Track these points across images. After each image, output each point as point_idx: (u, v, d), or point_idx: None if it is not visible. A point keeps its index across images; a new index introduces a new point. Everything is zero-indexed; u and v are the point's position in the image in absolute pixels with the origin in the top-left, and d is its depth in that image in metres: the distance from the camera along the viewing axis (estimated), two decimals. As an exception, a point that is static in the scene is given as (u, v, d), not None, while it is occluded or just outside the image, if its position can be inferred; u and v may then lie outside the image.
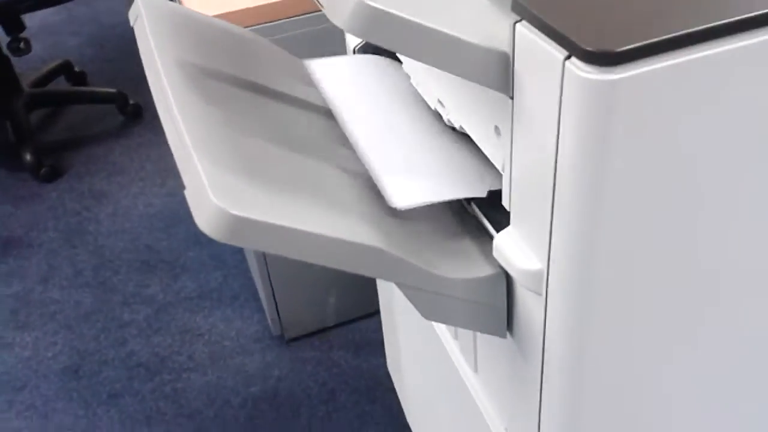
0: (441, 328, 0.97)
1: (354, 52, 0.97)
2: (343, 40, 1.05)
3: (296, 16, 1.31)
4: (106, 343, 1.79)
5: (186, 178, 0.59)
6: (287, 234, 0.55)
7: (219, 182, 0.56)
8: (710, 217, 0.57)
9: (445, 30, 0.53)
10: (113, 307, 1.88)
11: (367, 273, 0.59)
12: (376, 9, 0.51)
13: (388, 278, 0.61)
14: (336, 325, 1.74)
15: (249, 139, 0.68)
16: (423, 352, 1.14)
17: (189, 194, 0.57)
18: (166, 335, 1.79)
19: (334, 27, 1.33)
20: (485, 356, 0.83)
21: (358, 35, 0.53)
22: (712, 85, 0.50)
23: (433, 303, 0.64)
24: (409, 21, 0.52)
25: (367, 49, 0.96)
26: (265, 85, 0.83)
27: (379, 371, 1.62)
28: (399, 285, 0.62)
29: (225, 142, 0.64)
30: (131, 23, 0.83)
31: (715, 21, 0.47)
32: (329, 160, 0.73)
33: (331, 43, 1.31)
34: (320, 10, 1.34)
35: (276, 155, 0.68)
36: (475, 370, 0.88)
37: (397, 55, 0.87)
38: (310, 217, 0.58)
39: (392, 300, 1.24)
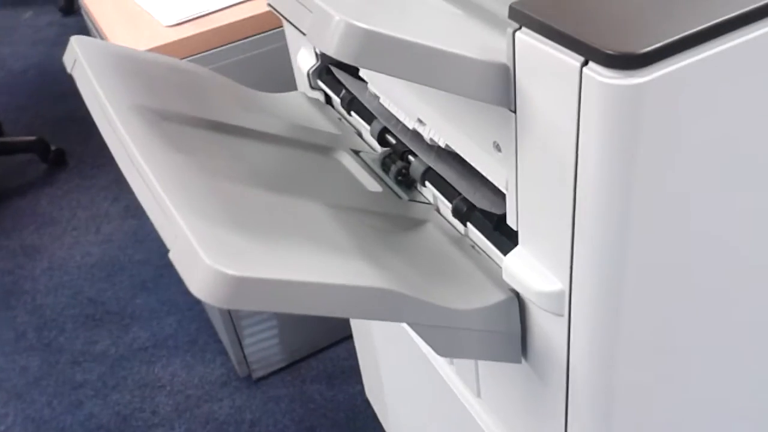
0: (433, 354, 0.93)
1: (308, 76, 0.92)
2: (290, 63, 0.99)
3: (234, 42, 1.25)
4: (61, 409, 1.68)
5: (168, 239, 0.53)
6: (295, 289, 0.49)
7: (208, 239, 0.50)
8: (750, 221, 0.54)
9: (442, 47, 0.49)
10: (63, 368, 1.77)
11: (381, 318, 0.54)
12: (369, 31, 0.46)
13: (401, 320, 0.56)
14: (305, 357, 1.67)
15: (225, 184, 0.62)
16: (411, 378, 1.09)
17: (175, 257, 0.51)
18: (124, 392, 1.69)
19: (277, 50, 1.28)
20: (489, 381, 0.79)
21: (349, 60, 0.48)
22: (739, 78, 0.47)
23: (448, 338, 0.59)
24: (405, 41, 0.47)
25: (322, 71, 0.91)
26: (224, 121, 0.77)
27: (357, 400, 1.56)
28: (412, 325, 0.57)
29: (203, 192, 0.58)
30: (68, 69, 0.76)
31: (739, 9, 0.44)
32: (312, 195, 0.67)
33: (275, 67, 1.25)
34: (262, 33, 1.28)
35: (257, 198, 0.63)
36: (478, 395, 0.84)
37: (361, 75, 0.82)
38: (313, 266, 0.53)
39: (368, 325, 1.19)
